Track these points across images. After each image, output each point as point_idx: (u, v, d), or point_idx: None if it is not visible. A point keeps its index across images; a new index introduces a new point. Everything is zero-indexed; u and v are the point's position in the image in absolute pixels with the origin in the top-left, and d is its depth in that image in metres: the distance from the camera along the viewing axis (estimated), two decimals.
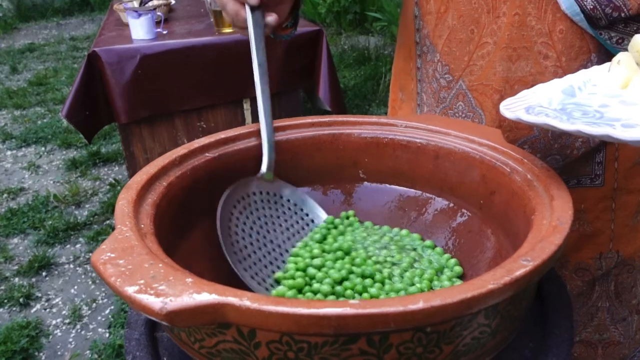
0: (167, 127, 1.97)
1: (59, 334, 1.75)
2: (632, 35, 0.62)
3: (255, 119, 2.17)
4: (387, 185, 0.64)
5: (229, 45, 1.87)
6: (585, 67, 0.63)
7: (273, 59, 1.97)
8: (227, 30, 1.97)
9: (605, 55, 0.63)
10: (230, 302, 0.33)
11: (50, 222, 2.29)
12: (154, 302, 0.33)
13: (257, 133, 0.62)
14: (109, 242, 0.40)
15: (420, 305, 0.32)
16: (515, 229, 0.49)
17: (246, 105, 1.99)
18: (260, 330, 0.35)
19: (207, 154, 0.58)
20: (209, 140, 0.59)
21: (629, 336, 0.75)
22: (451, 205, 0.59)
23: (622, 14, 0.58)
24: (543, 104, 0.50)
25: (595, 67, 0.55)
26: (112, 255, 0.39)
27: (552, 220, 0.41)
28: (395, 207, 0.63)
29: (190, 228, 0.56)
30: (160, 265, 0.37)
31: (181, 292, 0.34)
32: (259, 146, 0.61)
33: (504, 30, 0.64)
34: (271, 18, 0.60)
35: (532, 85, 0.65)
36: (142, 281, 0.35)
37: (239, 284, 0.57)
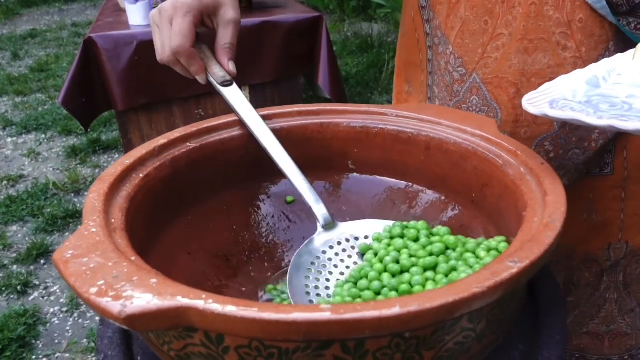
0: (165, 114, 1.95)
1: (57, 322, 1.75)
2: None
3: (254, 105, 2.15)
4: (377, 176, 0.62)
5: None
6: (604, 56, 0.60)
7: (272, 45, 1.94)
8: None
9: (623, 42, 0.60)
10: (194, 305, 0.31)
11: (49, 210, 2.28)
12: (113, 305, 0.31)
13: (241, 122, 0.59)
14: (73, 239, 0.38)
15: (396, 310, 0.30)
16: (508, 225, 0.47)
17: (245, 93, 1.96)
18: (228, 335, 0.32)
19: (188, 144, 0.56)
20: (190, 129, 0.57)
21: (636, 327, 0.74)
22: (442, 198, 0.57)
23: None
24: (567, 96, 0.47)
25: (619, 55, 0.51)
26: (76, 252, 0.36)
27: (543, 218, 0.39)
28: (385, 199, 0.60)
29: (170, 220, 0.54)
30: (125, 264, 0.35)
31: (143, 294, 0.32)
32: (243, 136, 0.59)
33: (519, 21, 0.60)
34: (232, 66, 0.62)
35: (551, 79, 0.62)
36: (102, 282, 0.33)
37: (218, 276, 0.55)
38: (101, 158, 2.77)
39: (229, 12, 0.60)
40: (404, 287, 0.46)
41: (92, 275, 0.34)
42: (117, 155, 2.77)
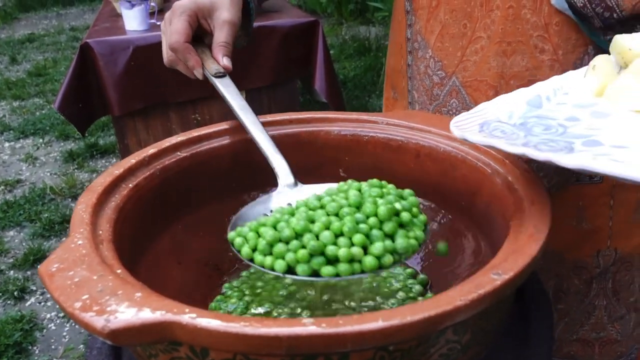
0: (161, 119, 1.95)
1: (53, 327, 1.75)
2: (628, 32, 0.58)
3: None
4: None
5: None
6: (582, 60, 0.61)
7: (268, 49, 1.94)
8: None
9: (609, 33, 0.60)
10: (177, 320, 0.31)
11: (46, 215, 2.28)
12: (96, 320, 0.31)
13: (232, 131, 0.59)
14: (59, 251, 0.38)
15: (379, 324, 0.30)
16: (496, 234, 0.47)
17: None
18: (212, 349, 0.33)
19: (178, 153, 0.56)
20: (180, 138, 0.57)
21: (627, 334, 0.73)
22: (432, 205, 0.57)
23: (615, 15, 0.55)
24: (502, 118, 0.45)
25: (571, 73, 0.51)
26: (61, 265, 0.36)
27: (529, 228, 0.39)
28: None
29: (160, 230, 0.54)
30: (110, 277, 0.35)
31: (127, 309, 0.32)
32: (234, 144, 0.59)
33: (497, 24, 0.61)
34: (227, 60, 0.61)
35: (529, 81, 0.62)
36: (87, 296, 0.33)
37: (208, 285, 0.55)
38: (98, 162, 2.76)
39: (223, 13, 0.62)
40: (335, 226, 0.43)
41: (76, 289, 0.34)
42: (114, 160, 2.77)
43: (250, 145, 0.59)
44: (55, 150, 2.91)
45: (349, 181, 0.50)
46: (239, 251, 0.45)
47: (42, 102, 3.52)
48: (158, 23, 1.99)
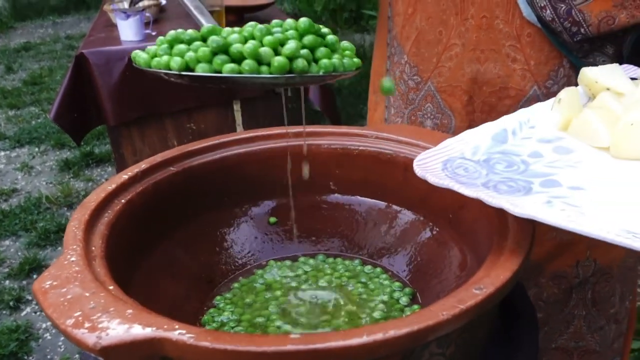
0: (157, 129, 1.95)
1: (49, 337, 1.74)
2: (598, 51, 0.60)
3: (245, 119, 2.16)
4: (359, 197, 0.63)
5: None
6: (557, 72, 0.62)
7: None
8: None
9: (581, 57, 0.62)
10: (168, 337, 0.32)
11: (42, 224, 2.28)
12: (88, 336, 0.32)
13: (223, 145, 0.60)
14: (52, 269, 0.39)
15: (363, 339, 0.31)
16: (481, 247, 0.48)
17: (236, 107, 1.97)
18: None
19: (171, 168, 0.57)
20: (172, 153, 0.58)
21: (606, 345, 0.74)
22: (421, 218, 0.58)
23: (582, 30, 0.57)
24: (466, 154, 0.45)
25: (538, 105, 0.51)
26: (55, 283, 0.37)
27: (511, 243, 0.40)
28: (365, 220, 0.61)
29: (154, 244, 0.55)
30: (103, 294, 0.36)
31: (119, 326, 0.33)
32: (227, 159, 0.60)
33: (472, 32, 0.63)
34: None
35: (500, 88, 0.64)
36: (79, 313, 0.34)
37: (201, 299, 0.56)
38: (94, 171, 2.77)
39: None
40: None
41: (69, 306, 0.35)
42: (110, 169, 2.78)
43: (241, 158, 0.61)
44: (50, 159, 2.91)
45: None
46: (136, 60, 0.43)
47: (37, 110, 3.52)
48: (153, 33, 2.00)
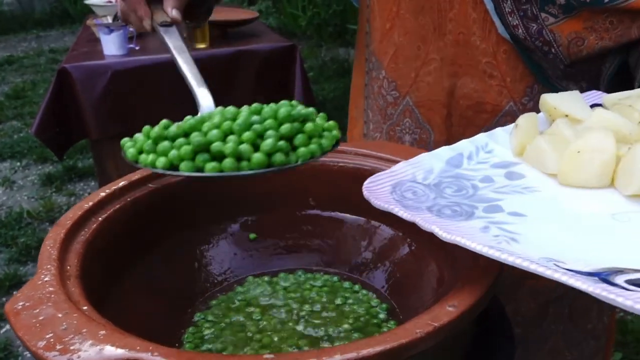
0: None
1: (29, 355, 1.71)
2: (572, 80, 0.60)
3: None
4: (338, 212, 0.63)
5: (202, 61, 1.86)
6: (532, 89, 0.63)
7: (246, 73, 1.96)
8: (201, 45, 1.96)
9: (558, 74, 0.63)
10: (141, 358, 0.32)
11: (22, 240, 2.25)
12: (59, 359, 0.32)
13: None
14: (25, 289, 0.39)
15: (336, 359, 0.31)
16: (459, 264, 0.48)
17: None
18: None
19: (150, 185, 0.57)
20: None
21: None
22: (400, 234, 0.58)
23: (553, 50, 0.58)
24: (418, 178, 0.46)
25: (498, 130, 0.51)
26: (27, 304, 0.37)
27: (485, 259, 0.40)
28: (345, 236, 0.62)
29: (132, 263, 0.54)
30: (76, 315, 0.36)
31: (90, 348, 0.33)
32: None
33: (449, 47, 0.64)
34: (175, 12, 0.61)
35: (477, 102, 0.65)
36: (51, 334, 0.34)
37: (180, 317, 0.55)
38: (77, 186, 2.74)
39: None
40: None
41: (41, 327, 0.34)
42: (93, 183, 2.75)
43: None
44: (33, 173, 2.88)
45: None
46: (126, 154, 0.46)
47: (20, 125, 3.49)
48: (137, 48, 2.00)
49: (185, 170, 0.41)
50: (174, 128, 0.42)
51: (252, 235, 0.62)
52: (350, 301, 0.55)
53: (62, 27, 6.20)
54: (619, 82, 0.61)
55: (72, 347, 0.33)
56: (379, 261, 0.59)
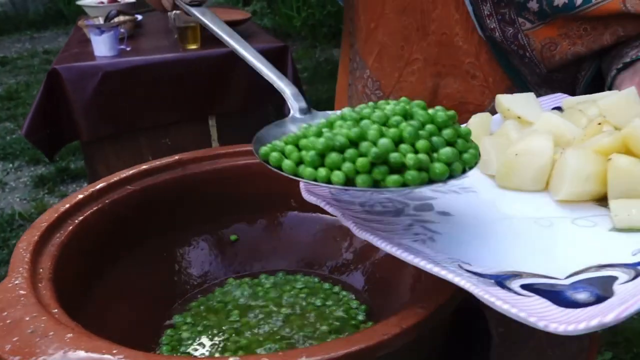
0: (131, 144, 1.94)
1: None
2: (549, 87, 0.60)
3: (221, 135, 2.15)
4: (319, 214, 0.63)
5: (193, 62, 1.85)
6: (513, 91, 0.63)
7: (238, 75, 1.95)
8: (193, 46, 1.95)
9: (536, 80, 0.63)
10: None
11: (14, 242, 2.24)
12: None
13: (184, 163, 0.60)
14: None
15: None
16: None
17: (212, 122, 1.97)
18: None
19: (128, 187, 0.57)
20: (131, 171, 0.57)
21: None
22: None
23: (527, 54, 0.58)
24: None
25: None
26: None
27: None
28: (325, 237, 0.61)
29: (110, 265, 0.54)
30: (44, 317, 0.36)
31: (56, 351, 0.32)
32: (187, 177, 0.60)
33: (433, 47, 0.64)
34: None
35: (460, 102, 0.65)
36: (17, 338, 0.33)
37: (158, 319, 0.55)
38: (69, 187, 2.74)
39: None
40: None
41: (7, 330, 0.34)
42: (85, 184, 2.74)
43: (201, 176, 0.60)
44: (25, 175, 2.87)
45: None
46: (278, 167, 0.41)
47: (13, 126, 3.47)
48: (128, 49, 2.00)
49: (363, 185, 0.36)
50: (340, 138, 0.37)
51: (233, 237, 0.62)
52: (329, 302, 0.55)
53: (56, 28, 6.18)
54: (596, 89, 0.61)
55: (37, 350, 0.32)
56: (359, 262, 0.59)
